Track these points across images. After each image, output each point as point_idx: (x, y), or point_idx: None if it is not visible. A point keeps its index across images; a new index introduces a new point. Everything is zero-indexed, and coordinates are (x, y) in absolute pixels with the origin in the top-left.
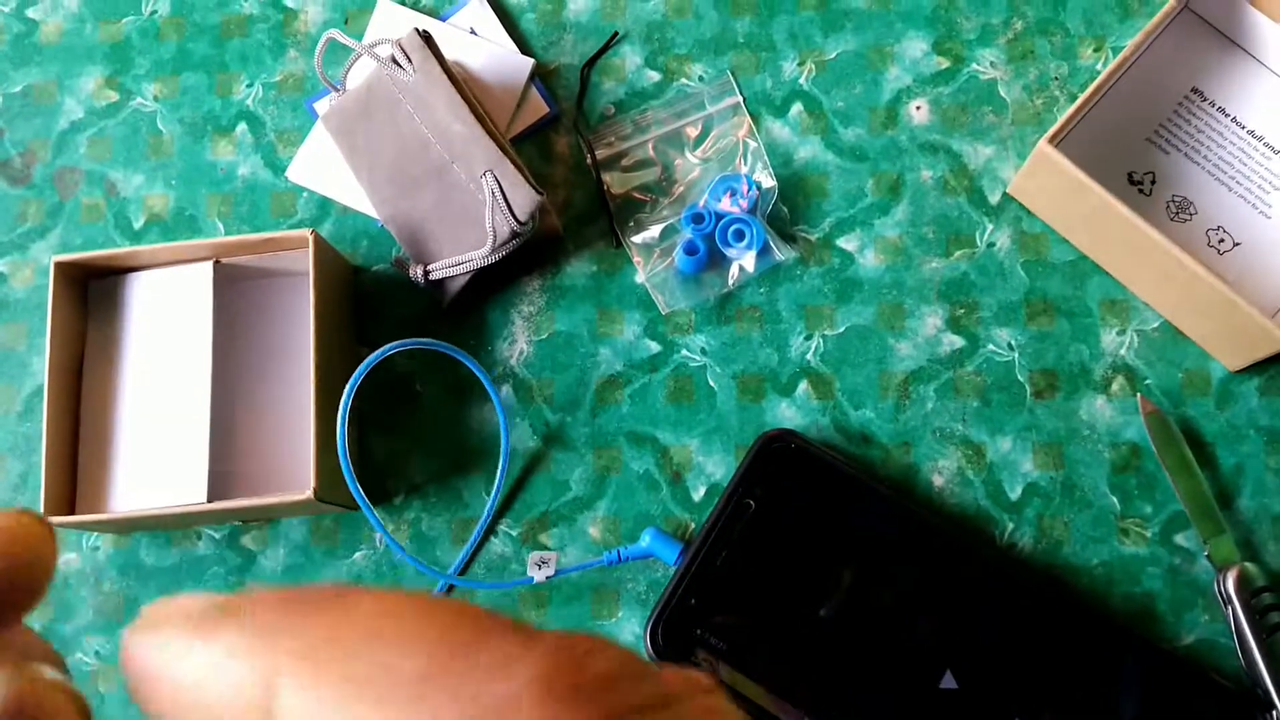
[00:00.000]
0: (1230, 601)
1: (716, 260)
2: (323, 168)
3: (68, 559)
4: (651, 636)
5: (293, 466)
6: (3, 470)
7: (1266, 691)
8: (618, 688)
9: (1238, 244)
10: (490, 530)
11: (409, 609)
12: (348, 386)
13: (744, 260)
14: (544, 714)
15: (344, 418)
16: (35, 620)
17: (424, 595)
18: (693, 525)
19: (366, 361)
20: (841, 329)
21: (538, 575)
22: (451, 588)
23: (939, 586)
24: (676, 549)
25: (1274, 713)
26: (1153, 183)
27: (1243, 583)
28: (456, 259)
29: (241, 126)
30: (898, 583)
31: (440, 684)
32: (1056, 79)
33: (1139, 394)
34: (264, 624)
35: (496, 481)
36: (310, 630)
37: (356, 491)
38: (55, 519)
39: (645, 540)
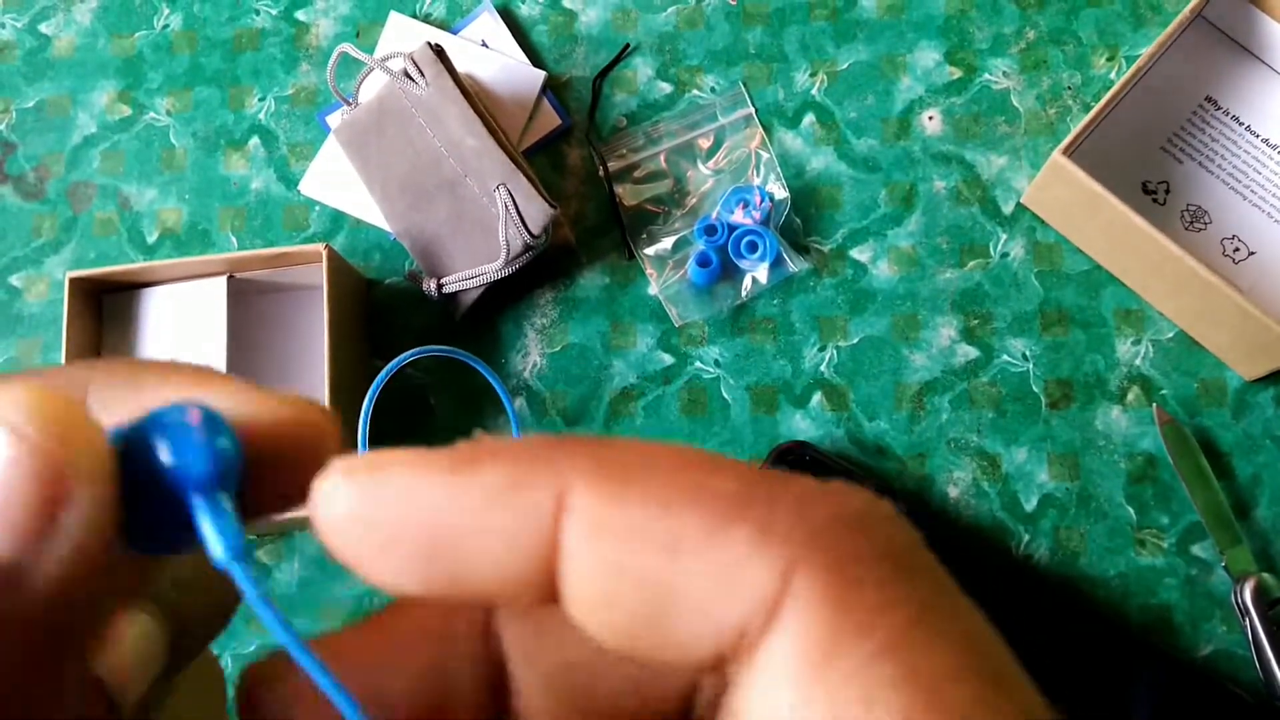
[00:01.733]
0: (1248, 612)
1: (729, 272)
2: (335, 181)
3: None
4: None
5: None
6: None
7: None
8: (906, 527)
9: (1253, 253)
10: None
11: (698, 451)
12: (368, 395)
13: (757, 272)
14: (866, 533)
15: (365, 426)
16: None
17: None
18: None
19: (388, 368)
20: (855, 340)
21: None
22: None
23: None
24: None
25: None
26: (1167, 192)
27: (1260, 593)
28: (470, 272)
29: (254, 140)
30: None
31: (761, 500)
32: (1069, 88)
33: (1155, 404)
34: (538, 453)
35: None
36: (596, 456)
37: None
38: None
39: None
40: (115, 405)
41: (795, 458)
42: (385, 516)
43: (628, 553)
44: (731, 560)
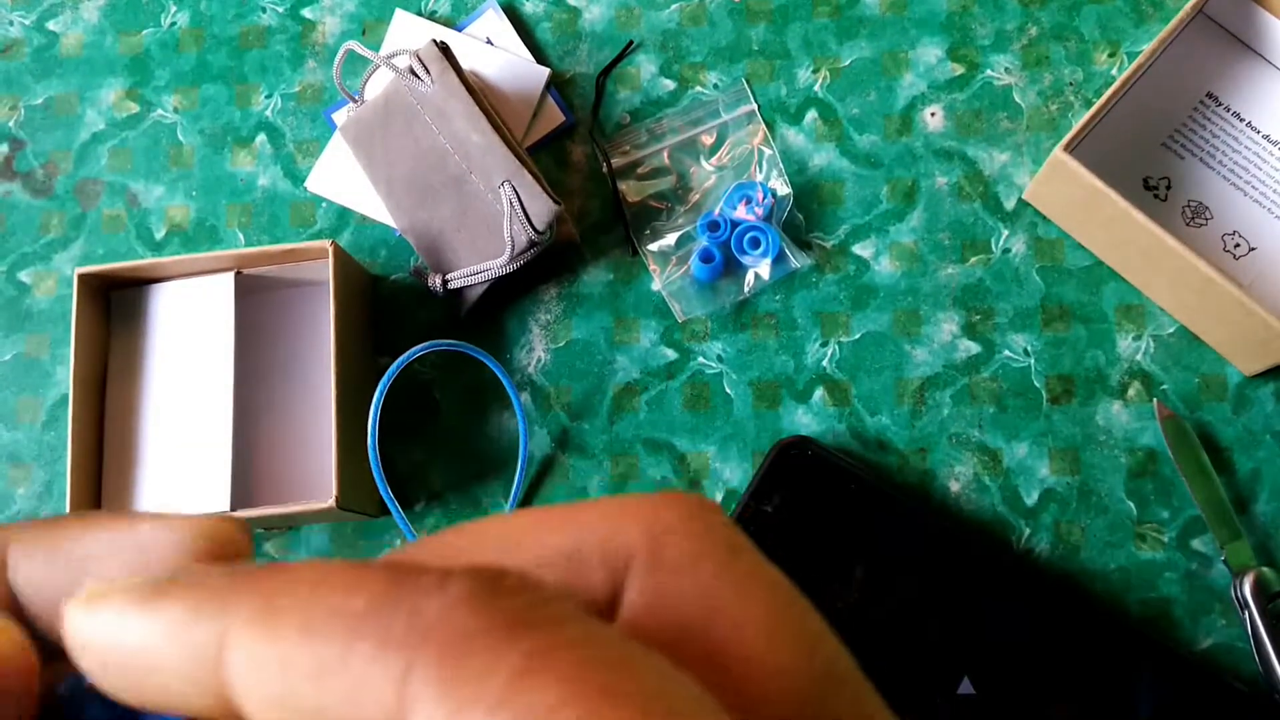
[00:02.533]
0: (1247, 606)
1: (732, 268)
2: (341, 178)
3: None
4: None
5: (314, 474)
6: (29, 479)
7: None
8: (531, 589)
9: (1253, 249)
10: None
11: (348, 568)
12: (378, 389)
13: (760, 268)
14: (476, 610)
15: (375, 422)
16: None
17: (354, 562)
18: None
19: (397, 363)
20: (857, 336)
21: None
22: None
23: (956, 593)
24: None
25: None
26: (1168, 188)
27: (1260, 587)
28: (474, 268)
29: (261, 137)
30: (914, 590)
31: (383, 613)
32: (1071, 84)
33: (1155, 399)
34: (212, 592)
35: (514, 488)
36: (258, 591)
37: (388, 496)
38: None
39: None
40: (33, 563)
41: (797, 453)
42: (96, 642)
43: (281, 683)
44: (359, 678)
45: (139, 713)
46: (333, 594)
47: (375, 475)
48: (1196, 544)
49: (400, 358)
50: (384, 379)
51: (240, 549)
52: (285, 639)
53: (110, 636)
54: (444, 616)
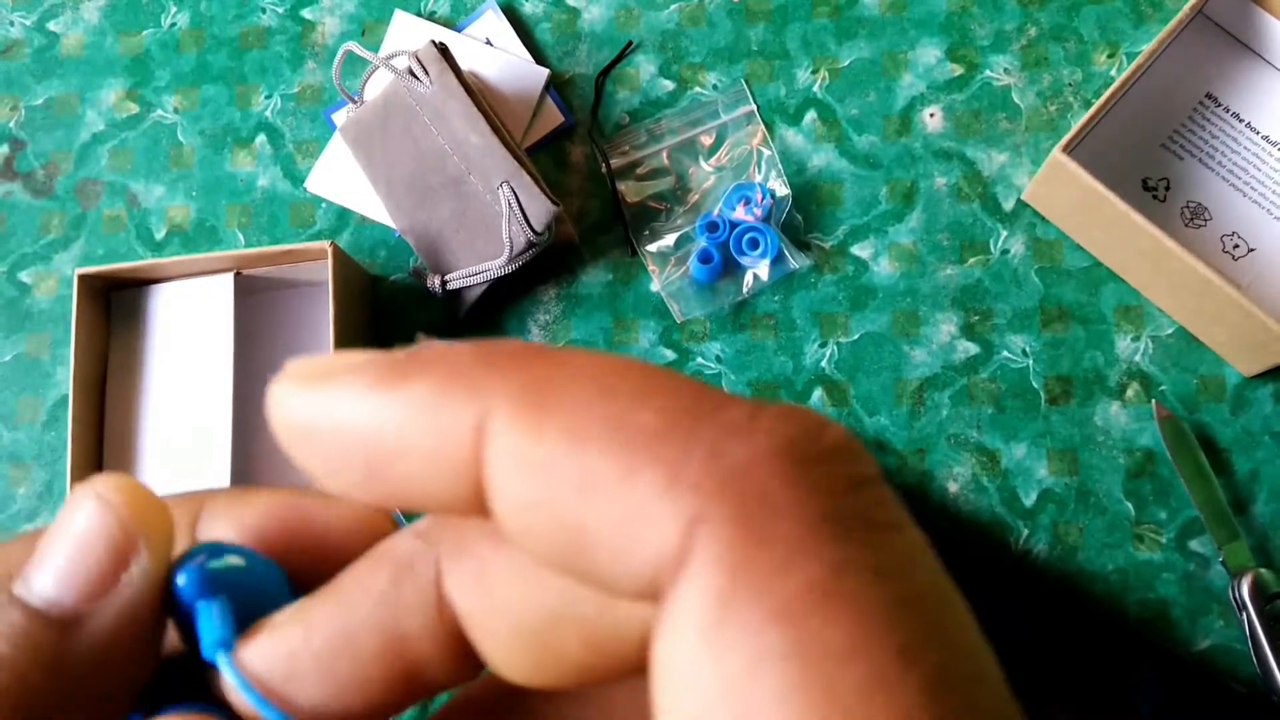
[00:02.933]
0: (1245, 607)
1: (731, 268)
2: (341, 178)
3: None
4: None
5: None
6: (29, 478)
7: None
8: (853, 459)
9: (1252, 249)
10: None
11: (631, 367)
12: None
13: (758, 268)
14: (789, 474)
15: None
16: None
17: (639, 360)
18: None
19: None
20: (856, 336)
21: None
22: None
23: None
24: None
25: None
26: (1167, 189)
27: (1257, 589)
28: (473, 269)
29: (261, 138)
30: None
31: (678, 439)
32: (1070, 85)
33: (1154, 400)
34: (464, 371)
35: None
36: (521, 377)
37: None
38: None
39: None
40: (219, 520)
41: None
42: (324, 427)
43: (543, 488)
44: (638, 507)
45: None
46: (617, 398)
47: None
48: (1194, 545)
49: None
50: None
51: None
52: (554, 440)
53: (341, 419)
54: (751, 468)
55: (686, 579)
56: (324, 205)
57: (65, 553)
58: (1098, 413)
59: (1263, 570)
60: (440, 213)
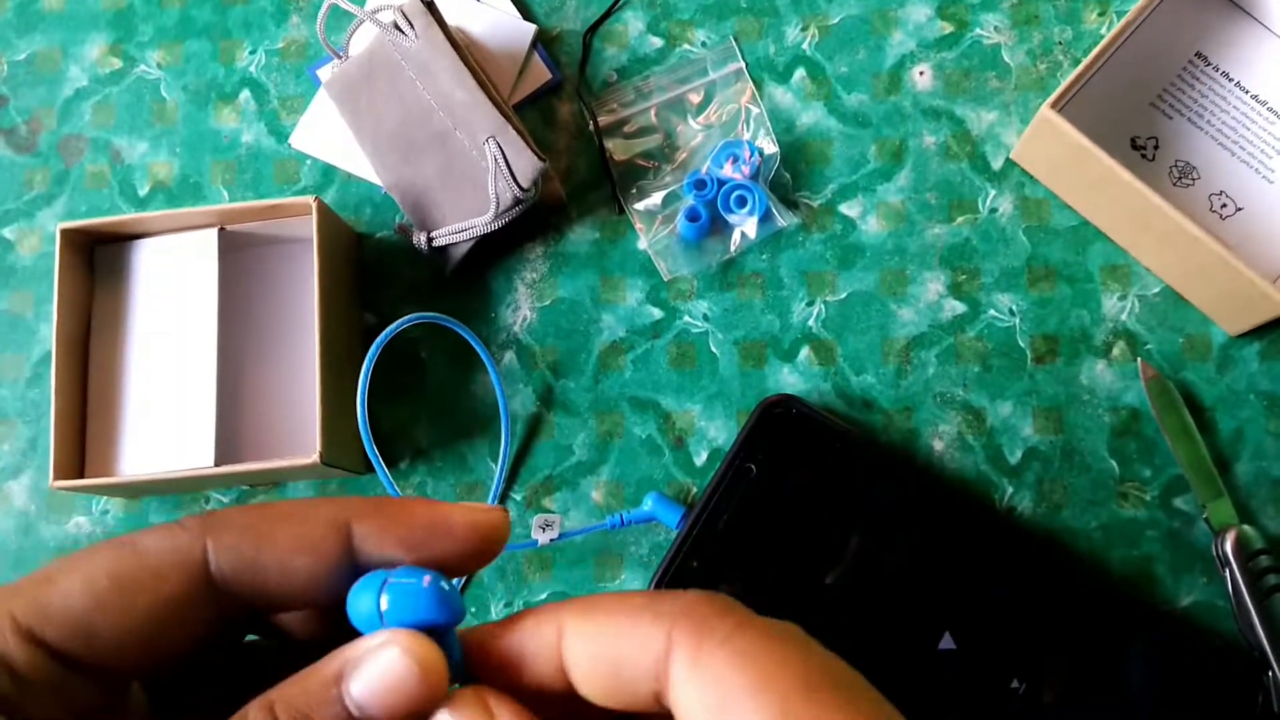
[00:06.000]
0: (1228, 564)
1: (719, 227)
2: (326, 135)
3: (78, 522)
4: None
5: (299, 431)
6: (13, 435)
7: (1263, 652)
8: (730, 600)
9: (1240, 209)
10: (500, 499)
11: (624, 595)
12: (366, 359)
13: (746, 226)
14: (706, 601)
15: (364, 388)
16: None
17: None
18: (695, 490)
19: (378, 341)
20: (843, 295)
21: (542, 538)
22: None
23: (938, 550)
24: (679, 513)
25: (1270, 673)
26: (1156, 148)
27: (1240, 546)
28: (459, 225)
29: (245, 93)
30: (897, 546)
31: (653, 603)
32: (1060, 44)
33: (1139, 359)
34: (553, 609)
35: (501, 454)
36: (579, 602)
37: (373, 454)
38: (63, 483)
39: (648, 504)
40: (374, 540)
41: (782, 411)
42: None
43: (597, 644)
44: (644, 636)
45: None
46: (622, 598)
47: (364, 438)
48: (1178, 503)
49: (380, 335)
50: (371, 351)
51: (504, 537)
52: (599, 620)
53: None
54: (688, 603)
55: (672, 659)
56: (309, 162)
57: (382, 680)
58: (1083, 371)
59: (1245, 527)
60: (426, 169)
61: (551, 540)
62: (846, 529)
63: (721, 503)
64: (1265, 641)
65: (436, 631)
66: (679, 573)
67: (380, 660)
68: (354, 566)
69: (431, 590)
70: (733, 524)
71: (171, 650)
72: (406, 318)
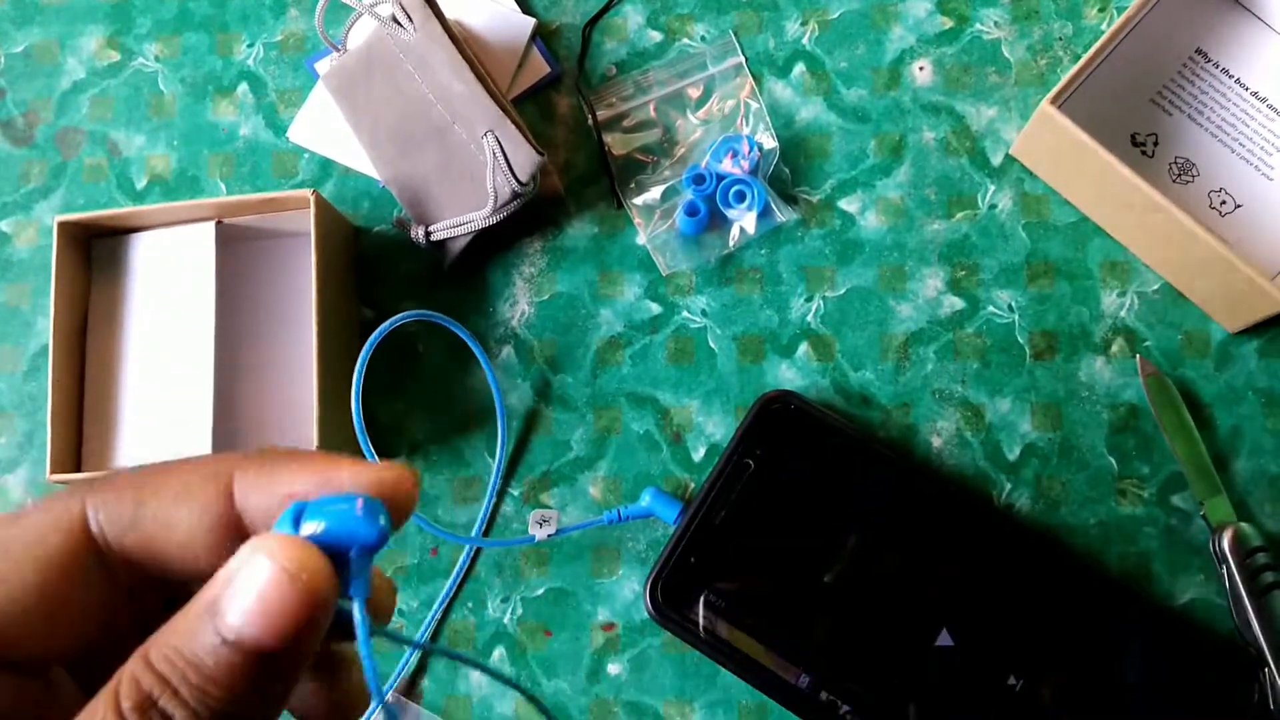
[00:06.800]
0: (1225, 561)
1: (717, 222)
2: (324, 128)
3: None
4: (651, 594)
5: (295, 424)
6: (10, 428)
7: (1259, 649)
8: None
9: (1239, 206)
10: (498, 494)
11: None
12: (358, 365)
13: (745, 221)
14: None
15: (359, 383)
16: None
17: None
18: (692, 485)
19: (371, 339)
20: (842, 290)
21: (539, 534)
22: (479, 550)
23: (935, 547)
24: (676, 508)
25: (1266, 670)
26: (1155, 144)
27: (1237, 543)
28: (458, 220)
29: (243, 86)
30: (895, 543)
31: None
32: (1060, 39)
33: (1138, 355)
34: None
35: (499, 449)
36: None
37: (367, 448)
38: (60, 476)
39: (645, 500)
40: (258, 489)
41: (780, 406)
42: None
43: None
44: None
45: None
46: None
47: (359, 435)
48: (1176, 500)
49: (375, 332)
50: (365, 349)
51: (415, 490)
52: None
53: None
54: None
55: None
56: (307, 155)
57: (256, 600)
58: (1082, 368)
59: (1243, 524)
60: (424, 163)
61: (549, 536)
62: (844, 525)
63: (719, 499)
64: (1261, 638)
65: (358, 556)
66: (676, 568)
67: (251, 576)
68: (239, 526)
69: (351, 507)
70: (730, 520)
71: (76, 626)
72: (400, 315)
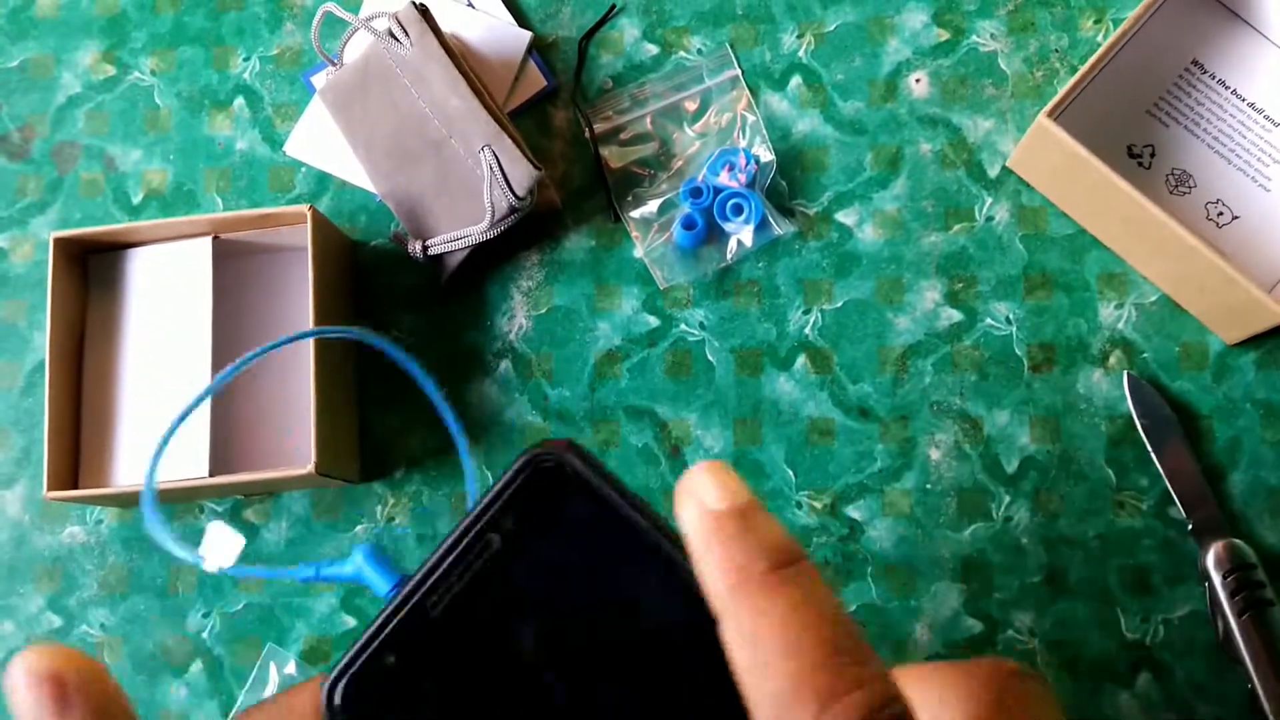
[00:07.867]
0: (1208, 577)
1: (715, 235)
2: (321, 142)
3: (72, 532)
4: (329, 695)
5: (294, 440)
6: (6, 445)
7: (1245, 668)
8: None
9: (1236, 217)
10: None
11: None
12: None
13: (742, 234)
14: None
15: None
16: (40, 594)
17: None
18: None
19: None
20: (840, 303)
21: (209, 563)
22: None
23: (696, 661)
24: (392, 580)
25: (1249, 687)
26: (1152, 156)
27: (1225, 559)
28: (455, 234)
29: (239, 101)
30: (652, 656)
31: None
32: (1057, 51)
33: (1125, 373)
34: None
35: (468, 483)
36: None
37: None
38: (57, 494)
39: (357, 559)
40: None
41: (552, 466)
42: None
43: None
44: None
45: None
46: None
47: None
48: (1174, 512)
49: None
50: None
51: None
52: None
53: None
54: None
55: None
56: (303, 169)
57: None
58: (1080, 380)
59: (1233, 540)
60: (421, 177)
61: (219, 569)
62: (594, 630)
63: (443, 580)
64: (1246, 656)
65: None
66: (367, 666)
67: None
68: None
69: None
70: (453, 610)
71: None
72: (332, 328)
